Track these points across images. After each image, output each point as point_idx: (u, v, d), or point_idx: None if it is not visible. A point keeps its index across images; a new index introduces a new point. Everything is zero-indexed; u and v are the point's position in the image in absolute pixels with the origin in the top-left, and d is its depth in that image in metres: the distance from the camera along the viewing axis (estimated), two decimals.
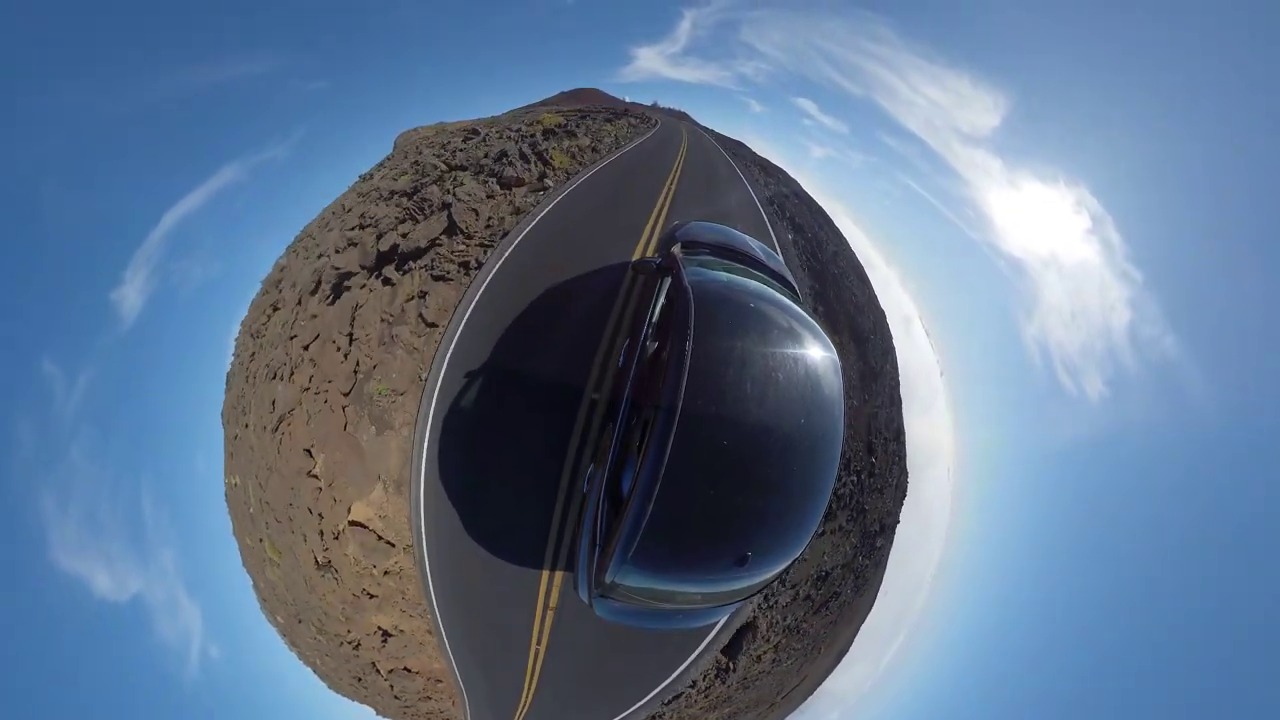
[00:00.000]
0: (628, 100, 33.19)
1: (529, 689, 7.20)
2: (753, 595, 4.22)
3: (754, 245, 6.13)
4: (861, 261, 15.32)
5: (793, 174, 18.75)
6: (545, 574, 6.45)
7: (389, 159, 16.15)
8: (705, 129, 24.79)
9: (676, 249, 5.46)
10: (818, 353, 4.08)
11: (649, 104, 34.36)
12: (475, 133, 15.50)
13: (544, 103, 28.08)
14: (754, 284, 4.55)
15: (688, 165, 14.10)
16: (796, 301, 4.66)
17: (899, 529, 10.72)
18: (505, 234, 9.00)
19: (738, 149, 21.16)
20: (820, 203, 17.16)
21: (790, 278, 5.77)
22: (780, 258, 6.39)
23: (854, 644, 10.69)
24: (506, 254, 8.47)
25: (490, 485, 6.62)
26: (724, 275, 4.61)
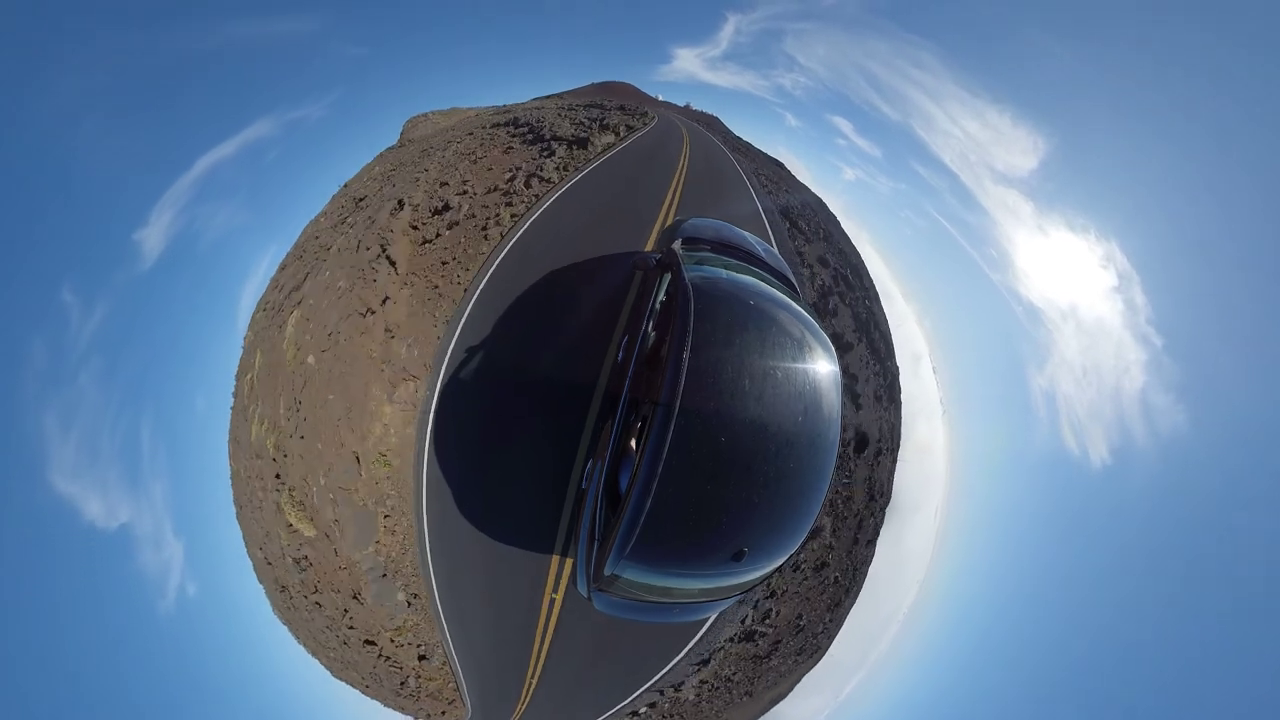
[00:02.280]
0: (660, 99, 33.00)
1: (533, 676, 7.20)
2: (749, 590, 4.28)
3: (754, 242, 6.11)
4: (880, 293, 14.96)
5: (823, 196, 18.18)
6: (555, 560, 6.45)
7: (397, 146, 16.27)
8: (739, 139, 23.73)
9: (676, 245, 5.42)
10: (816, 351, 4.11)
11: (681, 105, 34.00)
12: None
13: (574, 92, 27.98)
14: (754, 281, 4.56)
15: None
16: (796, 299, 4.68)
17: (873, 564, 10.49)
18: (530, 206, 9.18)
19: (778, 173, 19.94)
20: (846, 228, 16.76)
21: (790, 275, 5.77)
22: (779, 254, 6.39)
23: (817, 671, 10.50)
24: (523, 230, 8.61)
25: (497, 466, 6.64)
26: (724, 272, 4.60)
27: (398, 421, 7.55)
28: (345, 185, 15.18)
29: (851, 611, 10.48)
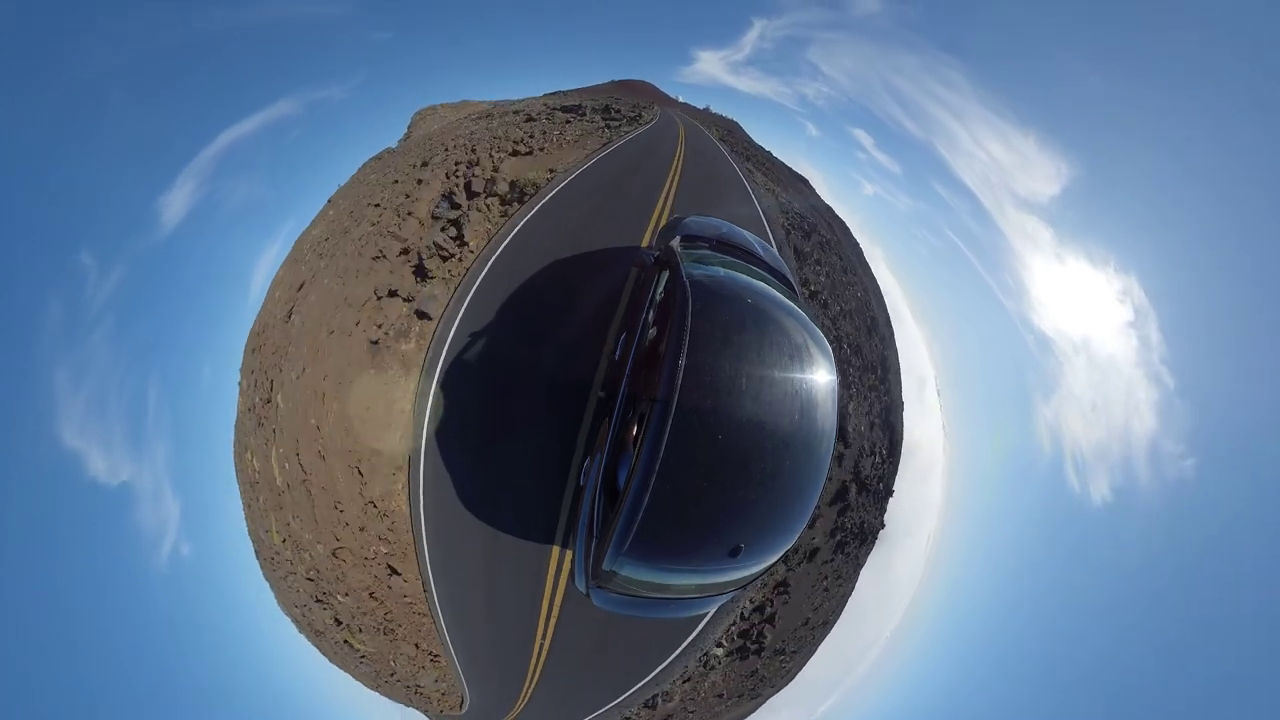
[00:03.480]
0: (680, 100, 32.85)
1: (535, 668, 7.17)
2: (745, 586, 4.32)
3: (751, 240, 6.12)
4: (891, 315, 14.60)
5: (841, 213, 17.71)
6: (555, 550, 6.42)
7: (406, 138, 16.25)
8: (760, 147, 23.07)
9: (675, 243, 5.39)
10: (813, 350, 4.10)
11: (701, 108, 33.83)
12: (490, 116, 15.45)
13: (594, 89, 27.89)
14: (751, 280, 4.56)
15: None
16: (793, 298, 4.68)
17: (859, 587, 10.28)
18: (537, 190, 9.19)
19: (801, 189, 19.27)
20: (861, 244, 16.36)
21: (788, 273, 5.77)
22: (776, 253, 6.38)
23: (788, 691, 10.34)
24: (528, 218, 8.62)
25: (497, 457, 6.61)
26: (721, 270, 4.59)
27: (396, 403, 7.54)
28: (352, 177, 15.11)
29: (831, 633, 10.25)
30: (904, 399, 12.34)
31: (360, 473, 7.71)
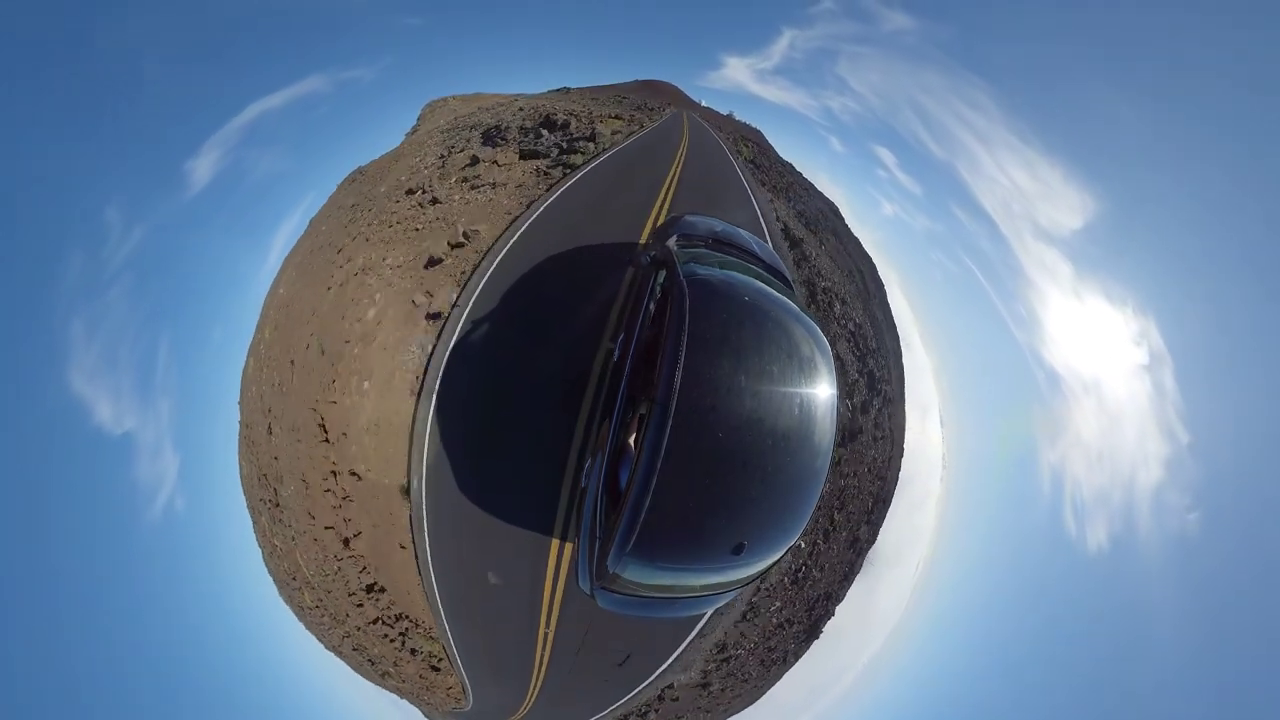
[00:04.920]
0: (703, 104, 32.68)
1: (540, 664, 7.13)
2: (749, 583, 4.32)
3: (749, 238, 6.13)
4: (902, 344, 14.19)
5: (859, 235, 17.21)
6: (553, 553, 6.42)
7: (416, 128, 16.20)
8: (788, 167, 22.07)
9: (671, 242, 5.34)
10: (811, 346, 4.10)
11: (725, 114, 33.70)
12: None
13: (617, 88, 27.75)
14: (749, 278, 4.54)
15: None
16: (790, 296, 4.67)
17: (841, 608, 10.08)
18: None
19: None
20: (878, 266, 15.93)
21: (785, 271, 5.77)
22: (773, 251, 6.36)
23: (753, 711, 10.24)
24: (531, 220, 8.54)
25: (500, 445, 6.60)
26: (719, 269, 4.58)
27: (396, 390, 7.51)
28: (364, 167, 15.10)
29: (808, 654, 10.03)
30: (905, 446, 12.09)
31: (357, 475, 7.72)
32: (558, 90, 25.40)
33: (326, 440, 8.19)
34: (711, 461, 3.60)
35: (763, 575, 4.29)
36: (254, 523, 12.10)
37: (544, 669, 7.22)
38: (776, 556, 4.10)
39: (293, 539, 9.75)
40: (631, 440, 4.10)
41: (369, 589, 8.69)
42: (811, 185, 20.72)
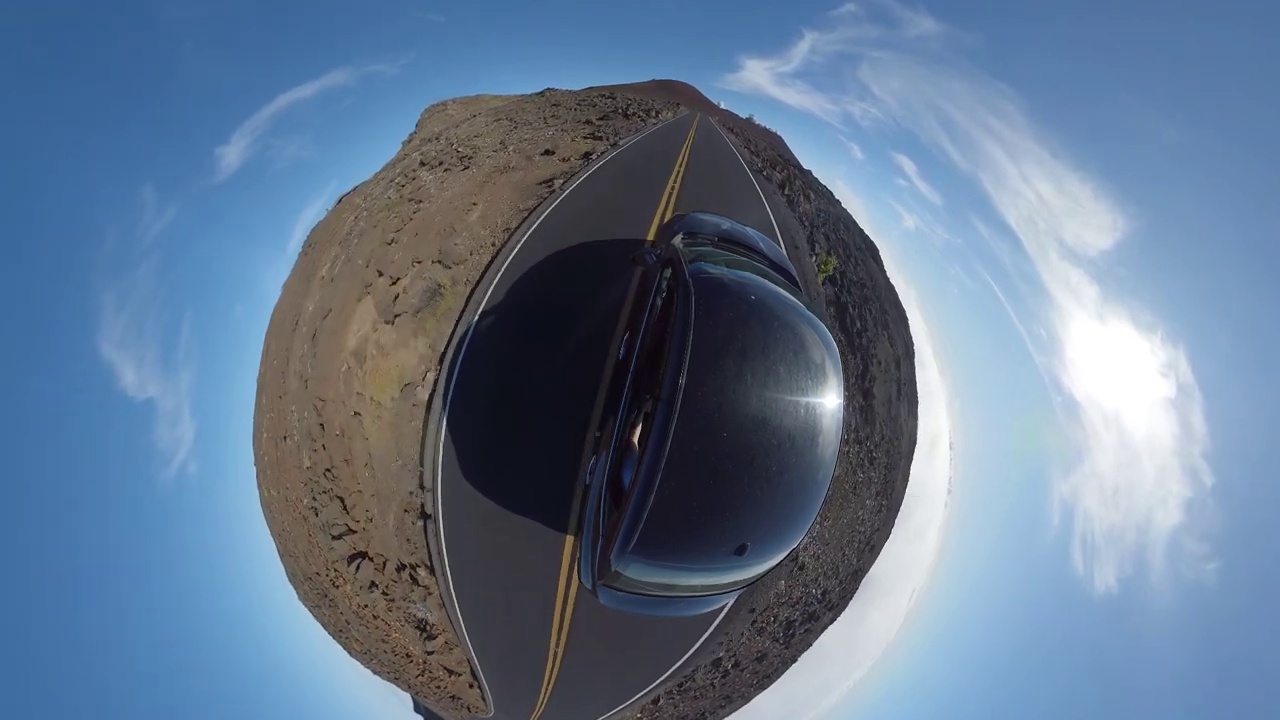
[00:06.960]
0: (722, 106, 32.52)
1: (552, 669, 7.14)
2: (752, 584, 4.31)
3: (755, 236, 6.08)
4: (916, 361, 13.55)
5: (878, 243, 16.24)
6: (566, 552, 6.41)
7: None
8: (811, 177, 20.23)
9: (677, 240, 5.33)
10: (817, 346, 4.06)
11: (744, 117, 33.55)
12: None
13: (633, 87, 27.74)
14: (755, 276, 4.50)
15: None
16: (797, 294, 4.61)
17: (829, 632, 10.05)
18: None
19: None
20: (896, 287, 15.00)
21: (792, 269, 5.71)
22: (782, 249, 6.40)
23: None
24: (535, 224, 8.52)
25: (507, 457, 6.60)
26: (725, 267, 4.53)
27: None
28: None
29: (790, 672, 9.83)
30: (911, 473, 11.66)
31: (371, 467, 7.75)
32: (543, 92, 25.12)
33: (339, 435, 8.27)
34: (715, 461, 3.56)
35: (766, 575, 4.26)
36: (265, 515, 12.21)
37: (556, 671, 7.18)
38: (780, 557, 4.06)
39: (308, 535, 9.83)
40: (636, 438, 4.08)
41: (371, 586, 8.72)
42: (853, 220, 19.16)
